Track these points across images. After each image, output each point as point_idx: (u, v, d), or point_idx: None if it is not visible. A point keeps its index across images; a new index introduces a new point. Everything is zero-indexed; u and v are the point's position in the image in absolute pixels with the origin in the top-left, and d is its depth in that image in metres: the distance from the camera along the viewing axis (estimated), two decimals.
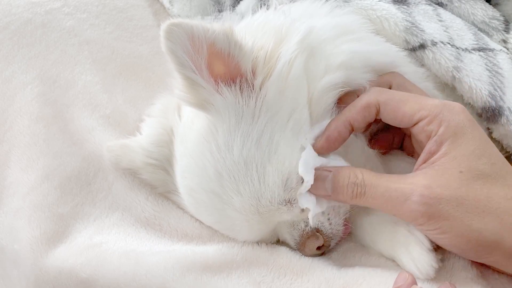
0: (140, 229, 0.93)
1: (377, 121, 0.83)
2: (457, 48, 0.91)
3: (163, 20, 0.76)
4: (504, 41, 0.98)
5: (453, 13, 0.99)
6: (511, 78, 0.90)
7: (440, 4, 1.00)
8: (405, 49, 0.91)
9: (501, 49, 0.94)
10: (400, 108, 0.79)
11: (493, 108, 0.88)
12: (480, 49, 0.92)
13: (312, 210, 0.80)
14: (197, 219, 0.92)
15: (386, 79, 0.86)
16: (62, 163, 0.95)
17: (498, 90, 0.88)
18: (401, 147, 0.91)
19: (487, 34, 0.99)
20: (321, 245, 0.84)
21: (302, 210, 0.81)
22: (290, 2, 0.97)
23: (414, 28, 0.91)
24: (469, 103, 0.90)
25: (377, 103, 0.80)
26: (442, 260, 0.82)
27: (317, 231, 0.84)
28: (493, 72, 0.90)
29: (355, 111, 0.80)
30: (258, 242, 0.87)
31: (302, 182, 0.79)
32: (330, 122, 0.81)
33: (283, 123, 0.79)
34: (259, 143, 0.78)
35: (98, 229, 0.92)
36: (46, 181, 0.94)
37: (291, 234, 0.85)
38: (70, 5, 1.06)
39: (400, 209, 0.75)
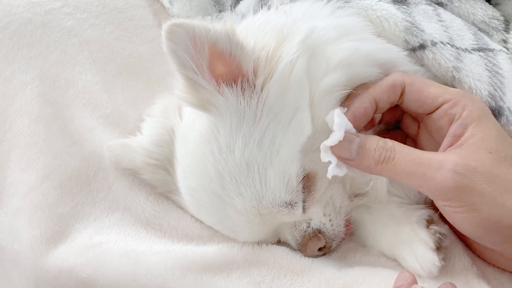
0: (140, 229, 0.93)
1: (381, 122, 0.83)
2: (457, 48, 0.91)
3: (163, 20, 0.76)
4: (504, 41, 0.98)
5: (453, 13, 0.99)
6: (511, 78, 0.90)
7: (440, 4, 1.00)
8: (405, 49, 0.91)
9: (501, 49, 0.94)
10: (425, 89, 0.80)
11: (493, 109, 0.87)
12: (480, 49, 0.92)
13: (333, 164, 0.78)
14: (197, 219, 0.92)
15: (399, 76, 0.85)
16: (62, 163, 0.95)
17: (498, 90, 0.88)
18: None
19: (487, 34, 0.99)
20: (322, 246, 0.84)
21: (303, 212, 0.81)
22: (291, 2, 0.97)
23: (414, 28, 0.91)
24: None
25: (403, 83, 0.81)
26: (444, 259, 0.82)
27: (318, 232, 0.84)
28: (493, 73, 0.90)
29: (381, 89, 0.81)
30: (259, 243, 0.87)
31: (303, 185, 0.79)
32: (355, 99, 0.81)
33: (285, 124, 0.79)
34: (261, 144, 0.78)
35: (98, 229, 0.92)
36: (46, 181, 0.94)
37: (293, 235, 0.85)
38: (70, 5, 1.06)
39: (430, 179, 0.73)
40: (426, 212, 0.87)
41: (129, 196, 0.95)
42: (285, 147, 0.78)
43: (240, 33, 0.78)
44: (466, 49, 0.91)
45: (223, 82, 0.78)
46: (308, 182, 0.81)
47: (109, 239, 0.90)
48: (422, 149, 0.85)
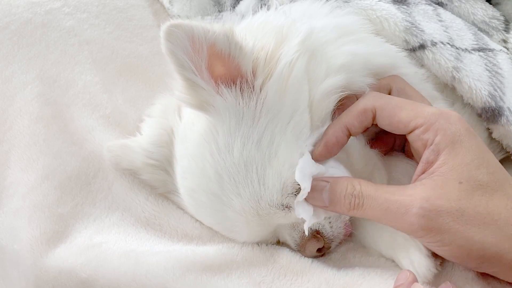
0: (140, 229, 0.93)
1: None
2: (457, 48, 0.91)
3: (163, 20, 0.76)
4: (504, 41, 0.98)
5: (453, 12, 0.99)
6: (511, 78, 0.90)
7: (440, 4, 1.00)
8: (404, 49, 0.91)
9: (501, 49, 0.94)
10: (396, 114, 0.78)
11: (493, 109, 0.87)
12: (480, 49, 0.92)
13: (308, 221, 0.79)
14: (197, 220, 0.92)
15: (386, 82, 0.85)
16: (62, 163, 0.95)
17: (498, 90, 0.88)
18: (403, 150, 0.91)
19: (487, 34, 0.99)
20: (321, 247, 0.84)
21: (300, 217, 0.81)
22: (290, 2, 0.97)
23: (414, 28, 0.91)
24: (469, 104, 0.90)
25: (374, 108, 0.79)
26: (441, 264, 0.81)
27: (317, 233, 0.84)
28: (493, 73, 0.90)
29: (352, 116, 0.80)
30: (258, 243, 0.87)
31: (299, 190, 0.78)
32: (327, 128, 0.81)
33: (284, 125, 0.79)
34: (260, 145, 0.78)
35: (98, 229, 0.92)
36: (46, 181, 0.94)
37: (292, 235, 0.85)
38: (70, 5, 1.06)
39: (399, 222, 0.74)
40: None
41: (129, 196, 0.95)
42: (283, 148, 0.78)
43: (239, 33, 0.78)
44: (466, 49, 0.91)
45: (222, 83, 0.78)
46: None
47: (109, 239, 0.90)
48: (413, 156, 0.86)
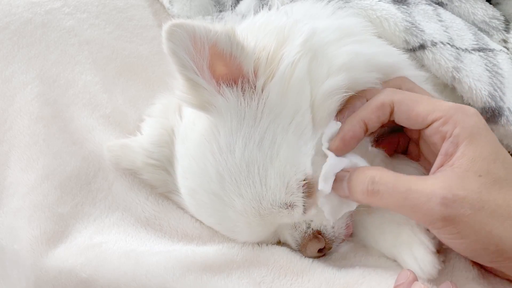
0: (140, 229, 0.93)
1: (384, 125, 0.83)
2: (457, 48, 0.91)
3: (163, 20, 0.76)
4: (504, 41, 0.98)
5: (453, 12, 0.99)
6: (511, 78, 0.90)
7: (440, 4, 1.00)
8: (405, 49, 0.91)
9: (501, 49, 0.94)
10: (414, 108, 0.78)
11: (493, 109, 0.87)
12: (480, 50, 0.92)
13: (328, 214, 0.80)
14: (197, 219, 0.92)
15: (396, 83, 0.85)
16: (62, 163, 0.95)
17: (498, 90, 0.88)
18: (405, 152, 0.91)
19: (487, 33, 0.99)
20: (322, 248, 0.85)
21: (303, 213, 0.81)
22: (291, 2, 0.97)
23: (414, 28, 0.91)
24: (469, 104, 0.90)
25: (392, 103, 0.79)
26: (444, 261, 0.81)
27: (318, 233, 0.84)
28: (493, 73, 0.90)
29: (370, 111, 0.80)
30: (259, 243, 0.87)
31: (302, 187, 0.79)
32: (345, 122, 0.81)
33: (285, 126, 0.79)
34: (261, 145, 0.78)
35: (98, 229, 0.92)
36: (46, 181, 0.94)
37: (293, 235, 0.85)
38: (70, 5, 1.06)
39: (418, 211, 0.73)
40: None
41: (129, 196, 0.95)
42: (285, 148, 0.78)
43: (241, 33, 0.78)
44: (466, 49, 0.91)
45: (224, 83, 0.78)
46: (309, 183, 0.81)
47: (109, 239, 0.90)
48: (422, 156, 0.86)
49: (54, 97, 0.99)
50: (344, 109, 0.83)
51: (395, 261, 0.84)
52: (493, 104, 0.87)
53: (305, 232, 0.84)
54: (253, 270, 0.84)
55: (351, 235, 0.88)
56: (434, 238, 0.81)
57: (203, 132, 0.82)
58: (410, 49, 0.91)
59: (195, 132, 0.84)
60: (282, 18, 0.86)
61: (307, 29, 0.82)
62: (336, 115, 0.83)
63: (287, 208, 0.80)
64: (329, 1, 0.92)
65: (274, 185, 0.78)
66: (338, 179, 0.79)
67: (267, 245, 0.88)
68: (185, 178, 0.86)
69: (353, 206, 0.82)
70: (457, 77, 0.88)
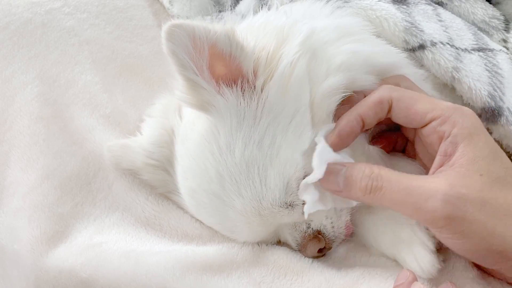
0: (140, 229, 0.93)
1: (381, 123, 0.83)
2: (457, 48, 0.91)
3: (163, 20, 0.76)
4: (504, 41, 0.98)
5: (453, 12, 0.99)
6: (510, 78, 0.90)
7: (440, 4, 1.00)
8: (404, 49, 0.91)
9: (500, 49, 0.94)
10: (413, 106, 0.77)
11: (492, 109, 0.87)
12: (479, 49, 0.92)
13: (309, 204, 0.78)
14: (197, 220, 0.92)
15: (395, 81, 0.84)
16: (62, 163, 0.95)
17: (498, 90, 0.88)
18: (403, 151, 0.91)
19: (487, 33, 0.99)
20: (322, 248, 0.84)
21: (303, 213, 0.80)
22: (291, 2, 0.97)
23: (414, 28, 0.91)
24: (468, 104, 0.90)
25: (390, 99, 0.78)
26: (443, 261, 0.81)
27: (318, 233, 0.84)
28: (493, 73, 0.90)
29: (367, 106, 0.79)
30: (259, 243, 0.87)
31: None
32: (341, 118, 0.80)
33: (285, 125, 0.79)
34: (261, 145, 0.78)
35: (98, 229, 0.92)
36: (46, 181, 0.94)
37: (293, 235, 0.85)
38: (70, 5, 1.06)
39: (420, 209, 0.71)
40: None
41: (129, 196, 0.95)
42: (285, 148, 0.78)
43: (240, 33, 0.78)
44: (465, 49, 0.91)
45: (223, 83, 0.78)
46: None
47: (109, 239, 0.90)
48: (417, 156, 0.86)
49: (54, 97, 0.99)
50: (342, 108, 0.82)
51: (395, 261, 0.84)
52: (492, 104, 0.87)
53: (305, 232, 0.84)
54: (253, 270, 0.84)
55: (351, 235, 0.88)
56: (434, 237, 0.81)
57: (203, 132, 0.82)
58: (410, 49, 0.91)
59: (195, 132, 0.84)
60: (282, 18, 0.86)
61: (306, 29, 0.82)
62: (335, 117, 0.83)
63: (287, 207, 0.80)
64: (328, 1, 0.92)
65: (274, 185, 0.78)
66: (333, 172, 0.77)
67: (267, 245, 0.88)
68: (185, 178, 0.86)
69: (328, 206, 0.80)
70: (456, 77, 0.88)
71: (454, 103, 0.90)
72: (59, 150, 0.96)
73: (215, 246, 0.88)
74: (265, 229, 0.84)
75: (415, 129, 0.81)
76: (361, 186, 0.75)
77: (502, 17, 1.00)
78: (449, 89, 0.91)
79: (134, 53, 1.07)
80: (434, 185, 0.71)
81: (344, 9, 0.91)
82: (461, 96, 0.90)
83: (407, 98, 0.78)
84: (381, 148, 0.87)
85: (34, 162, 0.95)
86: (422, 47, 0.90)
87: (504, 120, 0.87)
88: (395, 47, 0.90)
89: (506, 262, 0.73)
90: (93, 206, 0.95)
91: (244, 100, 0.79)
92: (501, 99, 0.88)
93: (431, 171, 0.77)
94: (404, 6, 0.93)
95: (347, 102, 0.82)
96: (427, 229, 0.81)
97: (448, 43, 0.90)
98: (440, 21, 0.94)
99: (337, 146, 0.79)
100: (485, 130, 0.77)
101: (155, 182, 0.95)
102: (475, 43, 0.93)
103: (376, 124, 0.83)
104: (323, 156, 0.77)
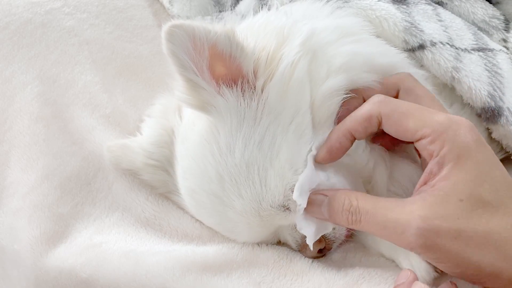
0: (140, 229, 0.93)
1: None
2: (457, 48, 0.91)
3: (163, 20, 0.76)
4: (504, 40, 0.98)
5: (453, 12, 0.99)
6: (510, 78, 0.90)
7: (440, 3, 1.00)
8: (404, 49, 0.91)
9: (500, 49, 0.94)
10: (402, 122, 0.75)
11: (492, 109, 0.87)
12: (479, 49, 0.92)
13: (309, 236, 0.79)
14: (197, 220, 0.92)
15: (394, 81, 0.83)
16: (62, 163, 0.95)
17: (498, 90, 0.88)
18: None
19: (487, 33, 0.99)
20: (322, 248, 0.84)
21: None
22: (291, 2, 0.97)
23: (414, 28, 0.91)
24: (468, 104, 0.90)
25: (379, 115, 0.77)
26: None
27: None
28: (493, 73, 0.90)
29: (357, 122, 0.78)
30: (259, 243, 0.87)
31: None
32: (331, 132, 0.79)
33: (285, 126, 0.78)
34: (261, 145, 0.78)
35: (98, 229, 0.92)
36: (46, 181, 0.94)
37: (293, 236, 0.85)
38: (70, 5, 1.06)
39: (397, 239, 0.72)
40: None
41: (129, 196, 0.95)
42: (285, 149, 0.78)
43: (240, 34, 0.78)
44: (465, 49, 0.91)
45: (223, 83, 0.78)
46: None
47: (109, 239, 0.90)
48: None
49: (54, 97, 0.99)
50: (344, 110, 0.82)
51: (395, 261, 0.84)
52: (492, 104, 0.87)
53: None
54: (253, 270, 0.84)
55: (351, 235, 0.88)
56: None
57: (203, 133, 0.82)
58: (410, 49, 0.91)
59: (195, 132, 0.84)
60: (282, 18, 0.86)
61: (306, 29, 0.82)
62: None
63: (284, 210, 0.80)
64: (328, 1, 0.92)
65: (274, 186, 0.78)
66: (316, 203, 0.78)
67: (267, 245, 0.88)
68: (185, 179, 0.86)
69: (329, 228, 0.81)
70: (456, 77, 0.88)
71: (454, 103, 0.90)
72: (59, 150, 0.96)
73: (215, 246, 0.88)
74: (265, 230, 0.84)
75: None
76: (343, 219, 0.76)
77: (502, 17, 1.00)
78: (449, 89, 0.91)
79: (134, 53, 1.07)
80: (407, 217, 0.71)
81: (344, 9, 0.91)
82: (461, 96, 0.90)
83: (397, 114, 0.76)
84: (382, 146, 0.87)
85: (34, 162, 0.95)
86: (422, 47, 0.90)
87: (504, 120, 0.87)
88: (395, 47, 0.90)
89: (489, 283, 0.73)
90: (93, 206, 0.95)
91: (244, 100, 0.78)
92: (501, 99, 0.88)
93: (415, 187, 0.76)
94: (404, 6, 0.93)
95: (347, 104, 0.82)
96: None
97: (448, 43, 0.90)
98: (440, 21, 0.94)
99: (327, 161, 0.79)
100: (482, 146, 0.73)
101: (155, 183, 0.95)
102: (475, 43, 0.93)
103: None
104: (305, 187, 0.78)
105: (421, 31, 0.91)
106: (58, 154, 0.96)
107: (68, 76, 1.01)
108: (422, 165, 0.84)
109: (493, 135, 0.91)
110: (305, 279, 0.82)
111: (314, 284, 0.82)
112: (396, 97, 0.81)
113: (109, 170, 0.96)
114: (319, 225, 0.80)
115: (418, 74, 0.89)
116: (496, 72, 0.90)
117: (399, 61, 0.88)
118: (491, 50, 0.93)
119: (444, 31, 0.92)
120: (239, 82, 0.78)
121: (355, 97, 0.82)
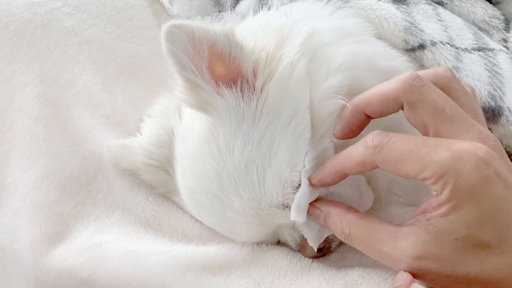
0: (140, 229, 0.93)
1: None
2: (457, 48, 0.91)
3: (163, 20, 0.76)
4: (505, 40, 0.98)
5: (453, 12, 0.99)
6: (510, 78, 0.90)
7: (440, 3, 1.00)
8: (404, 49, 0.91)
9: (500, 49, 0.94)
10: (400, 169, 0.71)
11: (492, 108, 0.87)
12: (479, 49, 0.92)
13: (311, 241, 0.80)
14: (197, 220, 0.92)
15: (397, 95, 0.75)
16: (62, 163, 0.95)
17: (498, 90, 0.88)
18: None
19: (487, 33, 0.99)
20: (322, 248, 0.84)
21: None
22: (291, 2, 0.97)
23: (414, 28, 0.91)
24: None
25: (374, 163, 0.72)
26: None
27: None
28: (493, 72, 0.90)
29: (351, 165, 0.74)
30: (258, 243, 0.87)
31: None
32: (324, 165, 0.77)
33: (284, 126, 0.78)
34: (260, 145, 0.78)
35: (98, 229, 0.92)
36: (46, 181, 0.94)
37: (292, 236, 0.85)
38: (70, 5, 1.06)
39: (389, 266, 0.72)
40: None
41: (129, 196, 0.95)
42: (283, 149, 0.78)
43: (240, 34, 0.77)
44: (465, 48, 0.91)
45: (223, 83, 0.78)
46: None
47: (109, 239, 0.90)
48: None
49: (54, 97, 0.99)
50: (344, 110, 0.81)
51: None
52: (492, 104, 0.87)
53: None
54: (253, 270, 0.84)
55: None
56: None
57: (202, 133, 0.82)
58: (410, 49, 0.91)
59: (195, 132, 0.84)
60: (282, 18, 0.85)
61: (306, 29, 0.82)
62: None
63: (284, 209, 0.80)
64: (329, 1, 0.92)
65: (272, 186, 0.78)
66: (314, 215, 0.78)
67: (266, 245, 0.88)
68: (184, 179, 0.86)
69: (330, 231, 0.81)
70: (456, 76, 0.88)
71: None
72: (59, 150, 0.96)
73: (215, 246, 0.87)
74: (264, 230, 0.84)
75: None
76: (339, 236, 0.76)
77: (502, 17, 1.00)
78: None
79: (134, 53, 1.07)
80: (398, 255, 0.70)
81: (345, 9, 0.91)
82: None
83: (392, 161, 0.71)
84: None
85: (34, 162, 0.95)
86: (422, 46, 0.90)
87: (504, 120, 0.87)
88: (395, 47, 0.90)
89: None
90: (93, 206, 0.94)
91: (243, 100, 0.78)
92: (501, 99, 0.88)
93: (413, 215, 0.73)
94: (404, 6, 0.93)
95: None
96: None
97: (448, 43, 0.90)
98: (440, 20, 0.94)
99: (320, 186, 0.79)
100: (490, 183, 0.68)
101: (155, 183, 0.95)
102: (475, 42, 0.93)
103: None
104: (302, 205, 0.78)
105: (421, 30, 0.91)
106: (58, 154, 0.96)
107: (68, 76, 1.01)
108: None
109: (494, 135, 0.91)
110: (305, 279, 0.82)
111: (314, 284, 0.82)
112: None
113: (109, 170, 0.96)
114: (321, 228, 0.80)
115: None
116: (496, 72, 0.90)
117: (400, 64, 0.87)
118: (491, 50, 0.93)
119: (444, 31, 0.93)
120: (239, 82, 0.78)
121: (347, 107, 0.78)
